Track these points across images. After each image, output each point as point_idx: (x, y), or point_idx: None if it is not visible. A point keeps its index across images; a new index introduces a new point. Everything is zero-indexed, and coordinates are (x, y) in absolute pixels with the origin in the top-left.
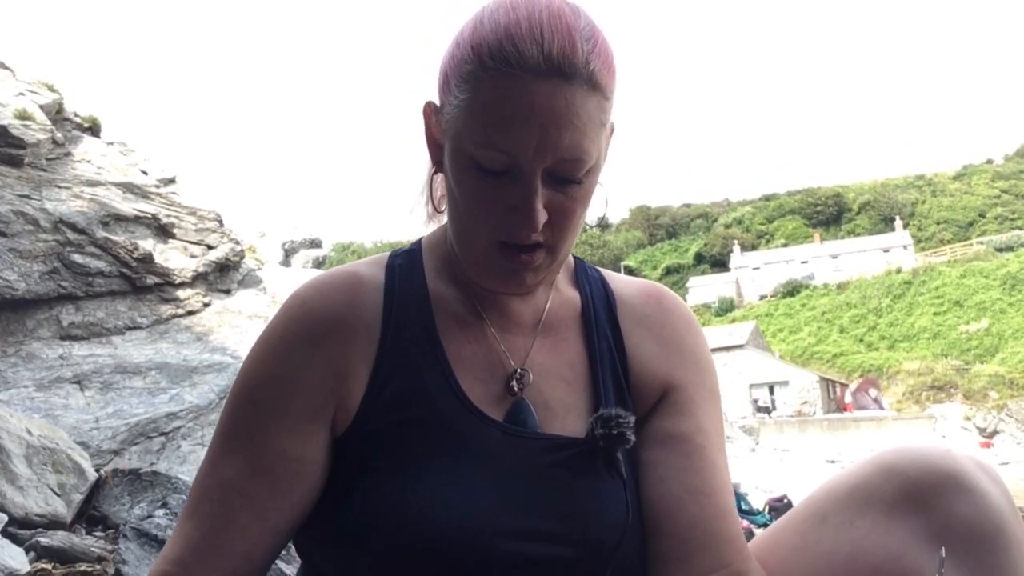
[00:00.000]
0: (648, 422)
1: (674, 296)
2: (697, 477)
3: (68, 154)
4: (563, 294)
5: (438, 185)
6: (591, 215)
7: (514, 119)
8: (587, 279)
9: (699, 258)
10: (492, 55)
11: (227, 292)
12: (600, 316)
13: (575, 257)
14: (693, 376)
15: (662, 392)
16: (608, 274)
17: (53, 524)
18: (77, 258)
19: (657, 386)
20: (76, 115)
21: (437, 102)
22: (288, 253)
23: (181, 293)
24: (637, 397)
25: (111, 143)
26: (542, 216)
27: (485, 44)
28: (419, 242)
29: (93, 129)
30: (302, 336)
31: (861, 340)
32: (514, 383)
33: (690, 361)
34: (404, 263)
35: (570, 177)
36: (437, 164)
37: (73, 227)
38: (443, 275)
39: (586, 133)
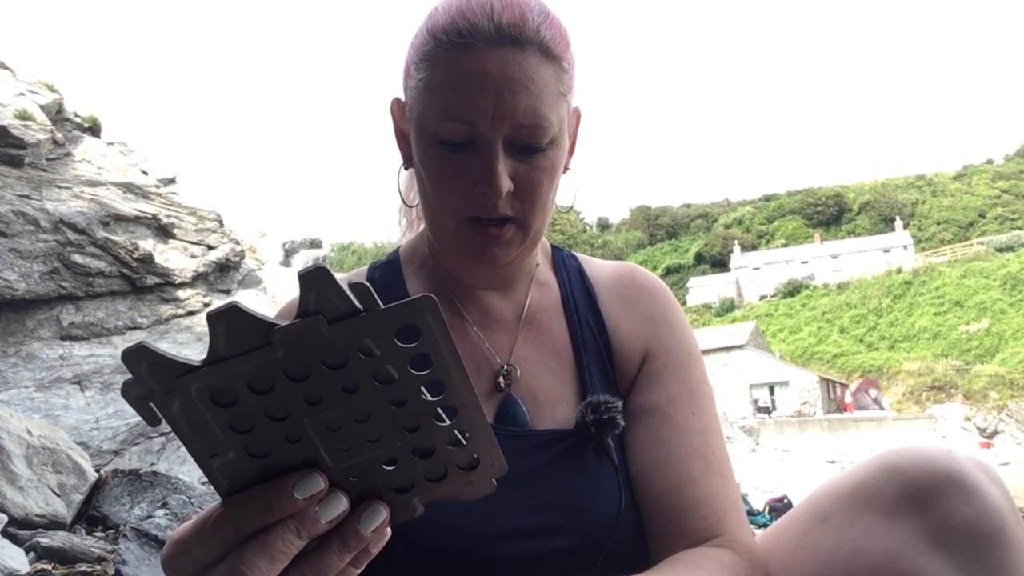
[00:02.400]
0: (627, 399)
1: (647, 273)
2: (662, 448)
3: (68, 154)
4: (543, 286)
5: (408, 180)
6: (561, 198)
7: (470, 87)
8: (565, 268)
9: (699, 258)
10: (446, 31)
11: (227, 292)
12: (580, 302)
13: (552, 246)
14: (665, 343)
15: (640, 364)
16: (585, 260)
17: (53, 524)
18: (77, 258)
19: (637, 359)
20: (76, 115)
21: (402, 97)
22: (288, 253)
23: (181, 293)
24: (622, 374)
25: (111, 143)
26: (505, 182)
27: (439, 24)
28: (396, 252)
29: (93, 129)
30: None
31: (861, 340)
32: (501, 380)
33: (663, 330)
34: (383, 274)
35: (531, 143)
36: (407, 159)
37: (73, 227)
38: (422, 280)
39: (543, 99)
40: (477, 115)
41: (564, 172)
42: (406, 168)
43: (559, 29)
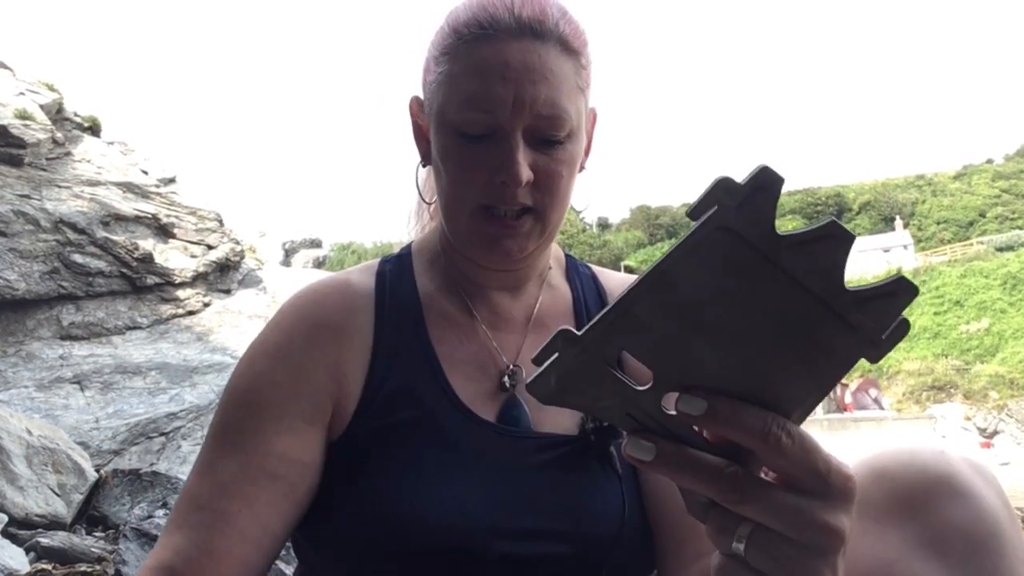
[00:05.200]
0: None
1: None
2: None
3: (68, 154)
4: (554, 290)
5: (426, 178)
6: (578, 200)
7: (491, 77)
8: (578, 275)
9: None
10: (467, 24)
11: (227, 292)
12: (592, 311)
13: (566, 255)
14: None
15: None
16: (599, 270)
17: (53, 524)
18: (77, 258)
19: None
20: (76, 115)
21: (421, 95)
22: (288, 253)
23: (181, 293)
24: None
25: (111, 143)
26: (525, 171)
27: (461, 19)
28: (409, 247)
29: (93, 129)
30: (300, 341)
31: None
32: (506, 379)
33: None
34: (394, 268)
35: (551, 135)
36: (425, 157)
37: (73, 227)
38: (433, 276)
39: (562, 91)
40: (497, 105)
41: (580, 171)
42: (424, 166)
43: (577, 26)
